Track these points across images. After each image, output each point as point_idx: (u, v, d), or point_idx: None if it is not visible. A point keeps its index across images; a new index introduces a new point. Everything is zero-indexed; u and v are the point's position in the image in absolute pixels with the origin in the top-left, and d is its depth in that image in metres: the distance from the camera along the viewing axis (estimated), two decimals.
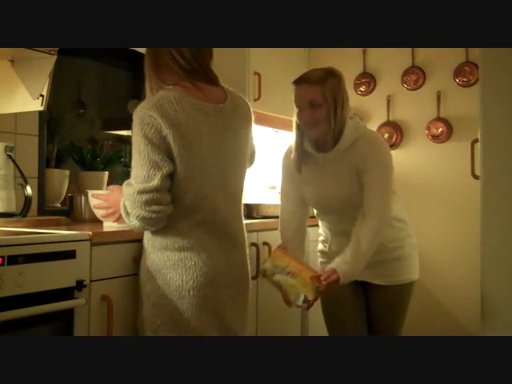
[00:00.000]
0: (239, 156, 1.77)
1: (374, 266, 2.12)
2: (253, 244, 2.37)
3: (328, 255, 2.21)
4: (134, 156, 1.60)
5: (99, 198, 1.94)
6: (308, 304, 1.98)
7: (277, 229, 2.21)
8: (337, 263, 1.97)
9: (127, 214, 1.62)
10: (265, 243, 2.50)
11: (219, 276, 1.68)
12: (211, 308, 1.67)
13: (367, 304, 2.25)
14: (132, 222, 1.62)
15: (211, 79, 1.72)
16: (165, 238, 1.66)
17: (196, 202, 1.65)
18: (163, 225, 1.64)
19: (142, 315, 1.71)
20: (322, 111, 1.98)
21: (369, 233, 1.98)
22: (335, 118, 1.98)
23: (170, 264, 1.66)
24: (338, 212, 2.13)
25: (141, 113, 1.59)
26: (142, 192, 1.56)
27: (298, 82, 2.03)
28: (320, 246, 2.31)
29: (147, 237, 1.72)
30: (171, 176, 1.61)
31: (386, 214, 2.04)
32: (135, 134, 1.59)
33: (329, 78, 1.99)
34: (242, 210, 1.82)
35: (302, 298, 1.97)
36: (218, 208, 1.69)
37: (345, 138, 2.02)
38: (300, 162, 2.10)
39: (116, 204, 1.78)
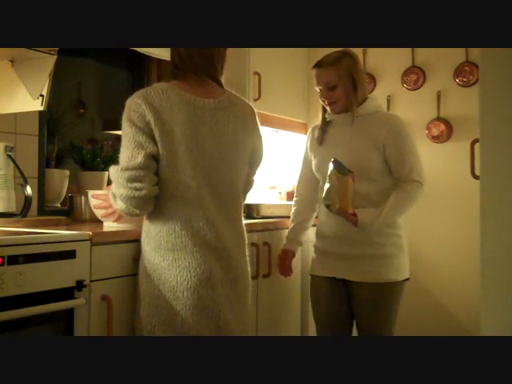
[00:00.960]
0: (231, 154, 1.75)
1: (353, 260, 2.19)
2: (253, 244, 2.37)
3: (318, 246, 2.32)
4: (122, 142, 1.65)
5: (99, 199, 1.95)
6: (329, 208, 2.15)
7: (277, 229, 2.22)
8: (360, 211, 2.12)
9: (114, 197, 1.65)
10: (265, 243, 2.50)
11: (214, 277, 1.68)
12: (206, 309, 1.67)
13: (351, 303, 2.25)
14: (118, 205, 1.65)
15: (212, 77, 1.75)
16: (159, 238, 1.67)
17: (180, 192, 1.65)
18: (149, 208, 1.65)
19: (139, 315, 1.71)
20: (339, 91, 2.18)
21: (396, 195, 2.14)
22: (354, 95, 2.18)
23: (164, 264, 1.66)
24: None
25: (129, 101, 1.67)
26: (125, 169, 1.60)
27: (315, 65, 2.23)
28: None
29: (143, 236, 1.72)
30: (156, 160, 1.64)
31: (417, 177, 2.16)
32: (123, 121, 1.66)
33: (343, 58, 2.18)
34: (237, 210, 1.80)
35: (330, 202, 2.13)
36: (204, 203, 1.68)
37: (364, 106, 2.21)
38: (323, 132, 2.29)
39: (108, 198, 1.78)
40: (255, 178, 1.96)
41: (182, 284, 1.65)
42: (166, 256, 1.66)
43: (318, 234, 2.34)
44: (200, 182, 1.68)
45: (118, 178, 1.61)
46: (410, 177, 2.16)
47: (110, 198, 1.70)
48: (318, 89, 2.25)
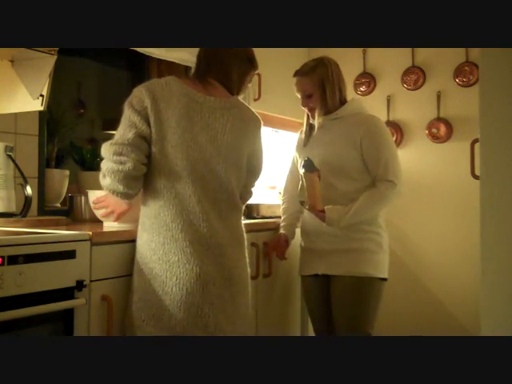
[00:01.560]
0: (226, 153, 1.75)
1: (331, 255, 2.26)
2: (253, 244, 2.37)
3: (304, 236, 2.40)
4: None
5: (99, 201, 1.91)
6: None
7: (277, 229, 2.22)
8: (329, 208, 2.20)
9: (103, 175, 1.69)
10: (265, 243, 2.50)
11: (205, 274, 1.67)
12: (195, 306, 1.67)
13: (330, 298, 2.29)
14: (105, 182, 1.68)
15: (222, 81, 1.80)
16: (151, 230, 1.69)
17: (171, 182, 1.67)
18: (134, 187, 1.68)
19: (130, 309, 1.72)
20: (315, 98, 2.29)
21: (367, 195, 2.20)
22: (327, 103, 2.28)
23: (155, 258, 1.67)
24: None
25: (134, 90, 1.74)
26: (114, 143, 1.66)
27: (294, 74, 2.35)
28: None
29: (138, 230, 1.74)
30: (148, 142, 1.68)
31: (391, 177, 2.20)
32: (125, 106, 1.71)
33: (317, 67, 2.29)
34: (232, 209, 1.80)
35: (303, 199, 2.26)
36: (195, 196, 1.68)
37: (346, 107, 2.30)
38: (307, 135, 2.39)
39: (115, 203, 1.78)
40: (253, 190, 1.97)
41: (170, 279, 1.65)
42: (156, 250, 1.67)
43: (302, 232, 2.43)
44: (191, 175, 1.69)
45: (106, 152, 1.67)
46: (385, 176, 2.21)
47: (100, 177, 1.73)
48: (298, 95, 2.36)
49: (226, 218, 1.77)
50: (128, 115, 1.69)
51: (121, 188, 1.66)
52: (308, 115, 2.39)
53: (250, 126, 1.82)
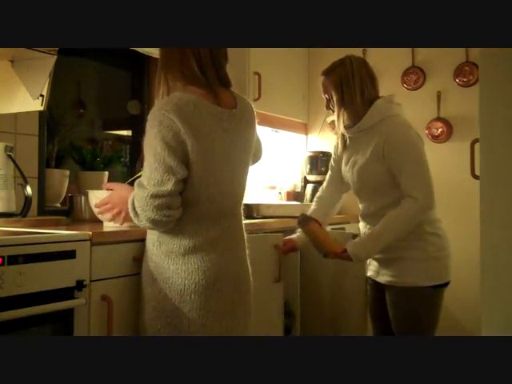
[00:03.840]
0: (245, 160, 1.78)
1: (381, 263, 2.18)
2: (276, 247, 2.37)
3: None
4: (149, 158, 1.58)
5: (103, 203, 1.86)
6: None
7: (278, 229, 2.21)
8: (349, 244, 2.09)
9: (136, 214, 1.61)
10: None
11: (221, 280, 1.68)
12: (212, 312, 1.67)
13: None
14: (141, 223, 1.62)
15: (225, 82, 1.73)
16: (172, 243, 1.66)
17: (206, 206, 1.65)
18: (172, 226, 1.63)
19: (143, 319, 1.71)
20: (336, 99, 2.15)
21: (389, 216, 2.06)
22: (347, 104, 2.13)
23: (173, 268, 1.65)
24: (358, 192, 2.21)
25: (160, 114, 1.56)
26: (155, 196, 1.55)
27: (321, 73, 2.21)
28: None
29: (152, 239, 1.70)
30: (184, 181, 1.60)
31: (413, 192, 2.04)
32: (152, 136, 1.57)
33: (337, 68, 2.16)
34: (240, 210, 1.81)
35: (319, 252, 2.15)
36: (224, 213, 1.70)
37: (366, 117, 2.13)
38: (341, 144, 2.28)
39: (121, 202, 1.76)
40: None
41: (189, 287, 1.64)
42: (176, 260, 1.65)
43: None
44: (225, 195, 1.69)
45: (147, 204, 1.56)
46: (407, 191, 2.05)
47: (129, 210, 1.64)
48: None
49: (239, 220, 1.79)
50: (162, 155, 1.54)
51: (160, 230, 1.64)
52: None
53: (253, 122, 1.81)
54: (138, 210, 1.59)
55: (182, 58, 1.65)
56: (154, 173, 1.56)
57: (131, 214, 1.63)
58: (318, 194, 2.49)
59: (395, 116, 2.15)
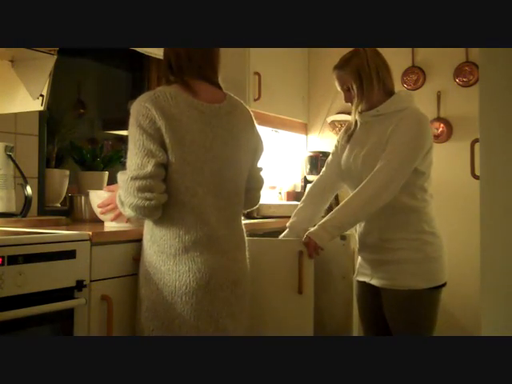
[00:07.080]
0: (236, 157, 1.75)
1: (375, 265, 2.13)
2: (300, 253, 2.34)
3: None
4: (130, 147, 1.63)
5: (105, 204, 1.91)
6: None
7: (278, 230, 2.19)
8: (311, 232, 2.04)
9: (122, 203, 1.63)
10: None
11: (213, 280, 1.67)
12: (204, 312, 1.66)
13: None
14: (126, 212, 1.63)
15: (211, 80, 1.74)
16: (163, 242, 1.66)
17: (187, 198, 1.65)
18: (158, 215, 1.63)
19: (139, 319, 1.71)
20: (353, 92, 2.12)
21: (358, 191, 2.01)
22: (367, 95, 2.11)
23: (165, 269, 1.65)
24: (358, 181, 2.09)
25: (137, 105, 1.64)
26: (135, 178, 1.58)
27: (333, 69, 2.18)
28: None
29: (146, 239, 1.71)
30: (165, 167, 1.62)
31: (389, 155, 2.00)
32: (131, 125, 1.63)
33: (352, 59, 2.12)
34: (238, 212, 1.80)
35: None
36: (209, 208, 1.68)
37: (388, 103, 2.11)
38: (352, 130, 2.22)
39: (115, 201, 1.77)
40: (263, 174, 1.93)
41: (180, 289, 1.64)
42: (167, 260, 1.65)
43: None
44: (206, 188, 1.67)
45: (128, 188, 1.58)
46: (382, 158, 2.01)
47: (117, 203, 1.67)
48: (340, 91, 2.21)
49: (234, 220, 1.77)
50: (141, 140, 1.59)
51: (146, 218, 1.66)
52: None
53: (248, 121, 1.81)
54: (122, 197, 1.62)
55: (169, 57, 1.73)
56: (134, 158, 1.60)
57: (118, 205, 1.66)
58: (316, 180, 2.43)
59: (409, 108, 2.12)
